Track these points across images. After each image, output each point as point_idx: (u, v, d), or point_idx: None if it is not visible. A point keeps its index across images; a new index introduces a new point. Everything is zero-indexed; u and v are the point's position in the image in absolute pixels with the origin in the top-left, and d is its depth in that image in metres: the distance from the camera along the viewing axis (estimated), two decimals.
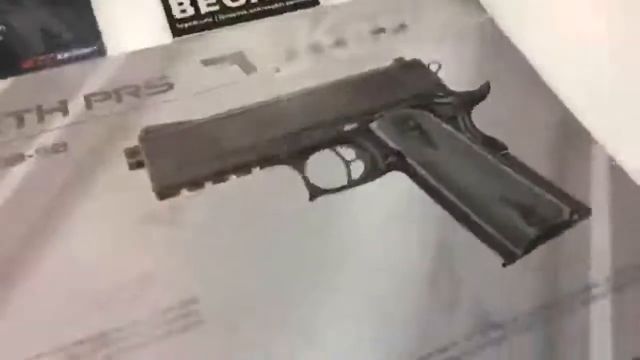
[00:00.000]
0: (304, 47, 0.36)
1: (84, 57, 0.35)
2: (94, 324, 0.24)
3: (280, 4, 0.39)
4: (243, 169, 0.30)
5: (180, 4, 0.36)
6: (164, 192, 0.29)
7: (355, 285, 0.27)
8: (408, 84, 0.35)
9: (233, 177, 0.30)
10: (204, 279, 0.26)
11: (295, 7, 0.39)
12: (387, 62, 0.36)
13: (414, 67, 0.36)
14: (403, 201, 0.30)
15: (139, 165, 0.29)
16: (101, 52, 0.35)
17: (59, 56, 0.35)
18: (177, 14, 0.36)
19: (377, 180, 0.31)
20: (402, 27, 0.39)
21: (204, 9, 0.37)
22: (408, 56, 0.37)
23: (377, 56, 0.37)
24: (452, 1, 0.41)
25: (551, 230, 0.30)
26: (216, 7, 0.37)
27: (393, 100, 0.34)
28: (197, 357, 0.24)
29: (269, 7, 0.38)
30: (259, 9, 0.38)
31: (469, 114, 0.35)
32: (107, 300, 0.25)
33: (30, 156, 0.29)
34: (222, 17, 0.37)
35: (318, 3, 0.40)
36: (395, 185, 0.31)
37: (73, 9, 0.36)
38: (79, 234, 0.27)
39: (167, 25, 0.36)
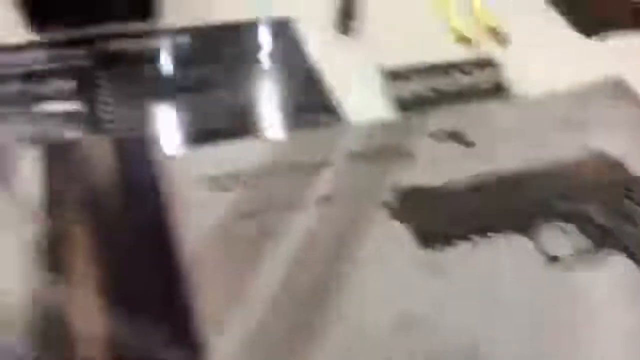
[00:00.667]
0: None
1: (327, 124, 0.41)
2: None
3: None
4: (482, 231, 0.34)
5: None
6: (424, 244, 0.33)
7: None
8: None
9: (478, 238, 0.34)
10: (482, 327, 0.30)
11: (483, 95, 0.45)
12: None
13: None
14: (626, 283, 0.33)
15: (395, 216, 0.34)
16: (340, 120, 0.41)
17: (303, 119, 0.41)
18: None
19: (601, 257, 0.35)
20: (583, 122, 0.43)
21: None
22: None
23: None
24: None
25: None
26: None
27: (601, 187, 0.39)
28: None
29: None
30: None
31: None
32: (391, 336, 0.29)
33: (309, 206, 0.34)
34: (432, 95, 0.43)
35: (508, 91, 0.46)
36: (617, 265, 0.34)
37: (312, 82, 0.44)
38: (361, 276, 0.31)
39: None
